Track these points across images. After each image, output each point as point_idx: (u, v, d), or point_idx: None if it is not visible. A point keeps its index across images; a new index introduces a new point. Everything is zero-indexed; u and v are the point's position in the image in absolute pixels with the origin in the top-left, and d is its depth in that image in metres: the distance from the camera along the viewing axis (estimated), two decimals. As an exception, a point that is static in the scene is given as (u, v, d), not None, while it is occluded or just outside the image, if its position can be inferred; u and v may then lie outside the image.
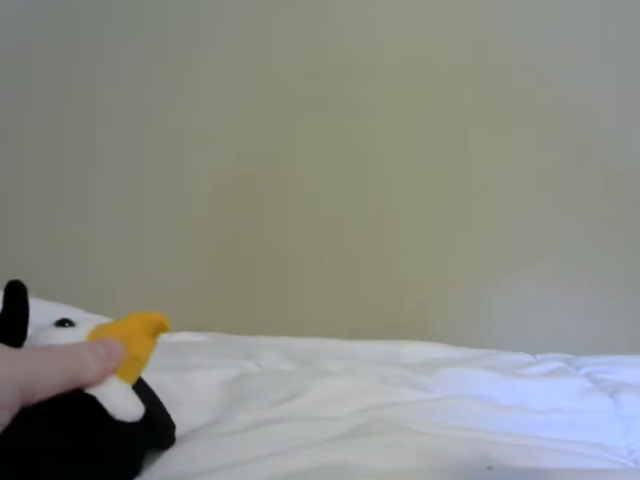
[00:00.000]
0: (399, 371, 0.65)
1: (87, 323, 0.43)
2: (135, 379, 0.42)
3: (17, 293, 0.42)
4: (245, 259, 0.91)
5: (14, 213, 0.93)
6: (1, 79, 0.92)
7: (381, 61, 0.88)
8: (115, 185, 0.92)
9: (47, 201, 0.93)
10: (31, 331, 0.43)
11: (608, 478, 0.44)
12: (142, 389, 0.44)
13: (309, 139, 0.90)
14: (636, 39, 0.86)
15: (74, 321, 0.43)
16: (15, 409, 0.35)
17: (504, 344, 0.80)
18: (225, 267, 0.92)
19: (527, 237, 0.90)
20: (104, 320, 0.48)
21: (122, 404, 0.40)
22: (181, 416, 0.48)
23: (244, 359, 0.66)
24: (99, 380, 0.39)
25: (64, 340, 0.41)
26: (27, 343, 0.42)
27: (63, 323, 0.42)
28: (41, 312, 0.45)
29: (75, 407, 0.38)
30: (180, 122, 0.91)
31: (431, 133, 0.89)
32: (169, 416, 0.47)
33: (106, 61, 0.91)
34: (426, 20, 0.87)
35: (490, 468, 0.44)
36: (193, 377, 0.59)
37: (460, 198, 0.89)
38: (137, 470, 0.42)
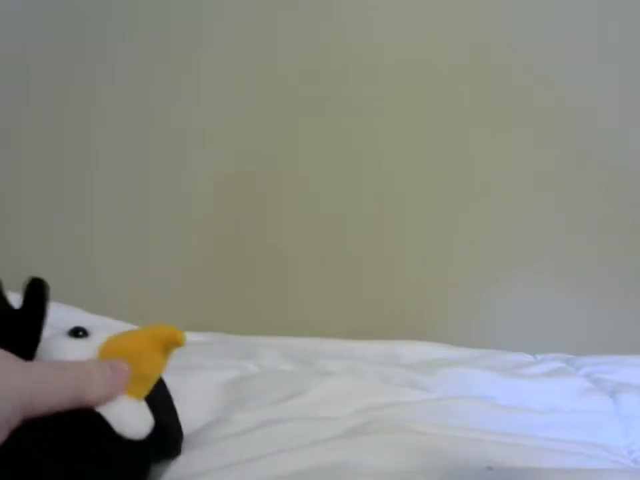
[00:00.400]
0: (399, 371, 0.65)
1: (99, 332, 0.42)
2: (142, 395, 0.41)
3: (38, 290, 0.42)
4: (245, 259, 0.91)
5: (14, 213, 0.93)
6: (1, 79, 0.91)
7: (381, 61, 0.88)
8: (115, 185, 0.92)
9: (47, 201, 0.93)
10: (44, 334, 0.42)
11: (608, 478, 0.44)
12: (159, 394, 0.44)
13: (309, 139, 0.90)
14: (636, 39, 0.86)
15: (88, 329, 0.42)
16: (14, 424, 0.34)
17: (504, 344, 0.80)
18: (225, 267, 0.92)
19: (526, 237, 0.90)
20: (116, 325, 0.48)
21: (129, 421, 0.39)
22: (181, 416, 0.48)
23: (244, 359, 0.66)
24: (104, 401, 0.38)
25: (75, 352, 0.40)
26: (38, 349, 0.41)
27: (76, 332, 0.42)
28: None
29: (80, 423, 0.37)
30: (180, 122, 0.91)
31: (431, 132, 0.89)
32: (179, 425, 0.47)
33: (106, 60, 0.91)
34: (426, 20, 0.87)
35: (490, 468, 0.44)
36: (193, 377, 0.59)
37: (460, 198, 0.89)
38: None
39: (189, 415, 0.51)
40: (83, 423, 0.38)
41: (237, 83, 0.90)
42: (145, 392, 0.41)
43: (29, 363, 0.39)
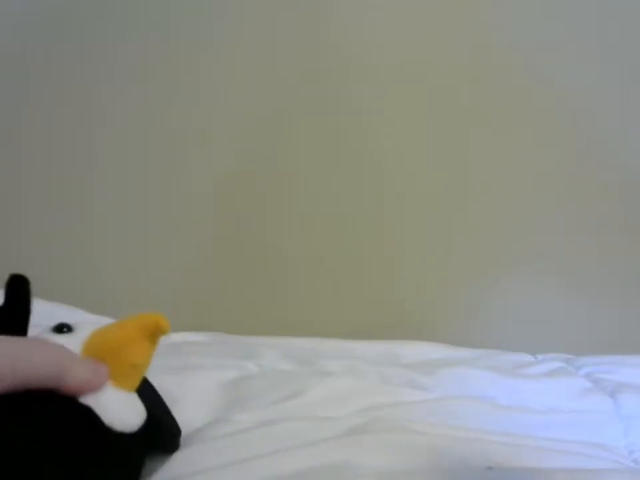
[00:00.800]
0: (399, 370, 0.65)
1: (84, 327, 0.42)
2: (134, 386, 0.41)
3: (19, 286, 0.42)
4: (245, 258, 0.91)
5: (14, 213, 0.93)
6: (1, 79, 0.91)
7: (381, 61, 0.88)
8: (115, 185, 0.92)
9: (47, 201, 0.93)
10: (29, 333, 0.42)
11: (608, 478, 0.44)
12: (148, 392, 0.43)
13: (309, 139, 0.90)
14: (636, 39, 0.86)
15: (72, 324, 0.42)
16: None
17: (504, 344, 0.80)
18: (225, 267, 0.92)
19: (526, 237, 0.90)
20: (104, 320, 0.47)
21: (119, 414, 0.39)
22: (181, 416, 0.48)
23: (244, 359, 0.66)
24: (87, 388, 0.38)
25: None
26: None
27: (60, 328, 0.42)
28: (40, 312, 0.45)
29: (71, 417, 0.37)
30: (180, 122, 0.91)
31: (431, 132, 0.89)
32: (174, 421, 0.47)
33: (106, 61, 0.91)
34: (426, 20, 0.87)
35: (490, 468, 0.44)
36: (193, 377, 0.60)
37: (460, 198, 0.89)
38: (136, 478, 0.41)
39: (188, 414, 0.51)
40: (72, 415, 0.37)
41: (237, 83, 0.90)
42: (135, 382, 0.41)
43: (16, 337, 0.39)
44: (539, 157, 0.88)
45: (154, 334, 0.41)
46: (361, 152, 0.89)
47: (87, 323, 0.43)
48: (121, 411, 0.39)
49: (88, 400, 0.38)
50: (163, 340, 0.60)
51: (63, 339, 0.41)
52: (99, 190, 0.93)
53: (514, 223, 0.90)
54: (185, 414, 0.49)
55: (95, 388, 0.38)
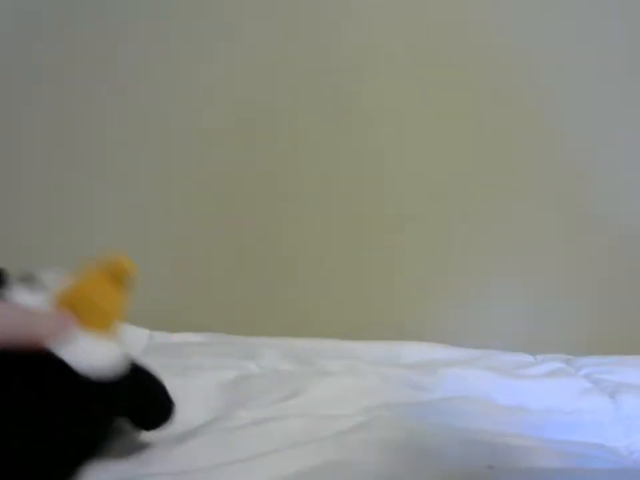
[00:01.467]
0: (399, 371, 0.65)
1: (52, 282, 0.42)
2: (105, 329, 0.41)
3: None
4: (245, 258, 0.91)
5: (14, 212, 0.93)
6: (1, 79, 0.91)
7: (381, 61, 0.88)
8: (115, 185, 0.92)
9: (47, 201, 0.93)
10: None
11: (608, 478, 0.44)
12: (143, 371, 0.44)
13: (310, 139, 0.90)
14: (636, 39, 0.86)
15: (40, 277, 0.42)
16: None
17: (504, 344, 0.80)
18: (225, 267, 0.92)
19: (527, 238, 0.90)
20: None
21: (88, 360, 0.39)
22: (182, 416, 0.48)
23: (244, 359, 0.66)
24: (56, 335, 0.38)
25: (30, 302, 0.41)
26: None
27: (26, 278, 0.42)
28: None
29: (43, 373, 0.37)
30: (180, 122, 0.91)
31: (431, 132, 0.89)
32: (167, 393, 0.47)
33: (106, 61, 0.91)
34: (426, 20, 0.87)
35: (490, 467, 0.44)
36: (193, 377, 0.60)
37: (460, 198, 0.89)
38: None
39: (189, 414, 0.51)
40: (45, 371, 0.38)
41: (236, 82, 0.90)
42: (108, 326, 0.41)
43: None
44: (538, 157, 0.88)
45: (118, 276, 0.42)
46: (361, 152, 0.89)
47: (54, 279, 0.43)
48: (89, 356, 0.39)
49: (59, 351, 0.38)
50: (164, 339, 0.60)
51: (31, 295, 0.41)
52: (99, 190, 0.93)
53: (514, 224, 0.90)
54: (185, 414, 0.49)
55: (62, 336, 0.39)
